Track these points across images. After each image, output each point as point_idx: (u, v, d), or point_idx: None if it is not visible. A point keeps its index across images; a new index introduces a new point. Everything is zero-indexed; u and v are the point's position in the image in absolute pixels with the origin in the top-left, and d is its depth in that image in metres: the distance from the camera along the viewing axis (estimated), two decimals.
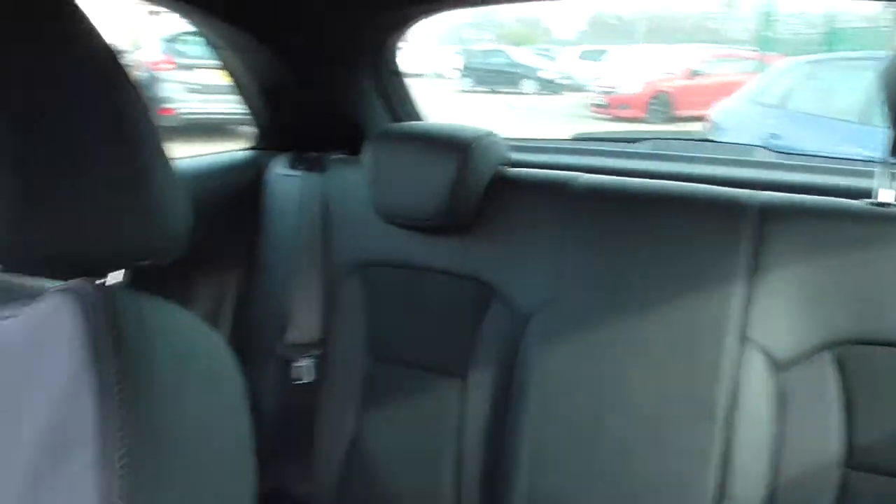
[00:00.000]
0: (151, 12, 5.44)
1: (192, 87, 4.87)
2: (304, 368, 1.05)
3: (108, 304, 0.39)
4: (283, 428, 1.07)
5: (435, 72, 11.22)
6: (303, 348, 1.05)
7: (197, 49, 3.97)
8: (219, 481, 0.42)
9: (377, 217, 1.01)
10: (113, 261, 0.45)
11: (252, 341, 1.10)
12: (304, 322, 1.06)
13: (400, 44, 1.18)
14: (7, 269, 0.45)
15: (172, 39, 5.06)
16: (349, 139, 1.13)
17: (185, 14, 1.03)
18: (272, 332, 1.07)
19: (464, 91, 10.20)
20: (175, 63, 5.02)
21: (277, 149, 1.16)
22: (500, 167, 1.03)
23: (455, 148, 0.95)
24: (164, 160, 0.46)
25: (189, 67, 4.88)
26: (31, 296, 0.41)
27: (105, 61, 0.43)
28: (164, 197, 0.46)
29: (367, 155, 1.00)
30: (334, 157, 1.12)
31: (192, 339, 0.44)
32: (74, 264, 0.43)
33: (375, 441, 1.01)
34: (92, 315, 0.38)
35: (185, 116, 4.75)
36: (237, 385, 0.46)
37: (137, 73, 0.45)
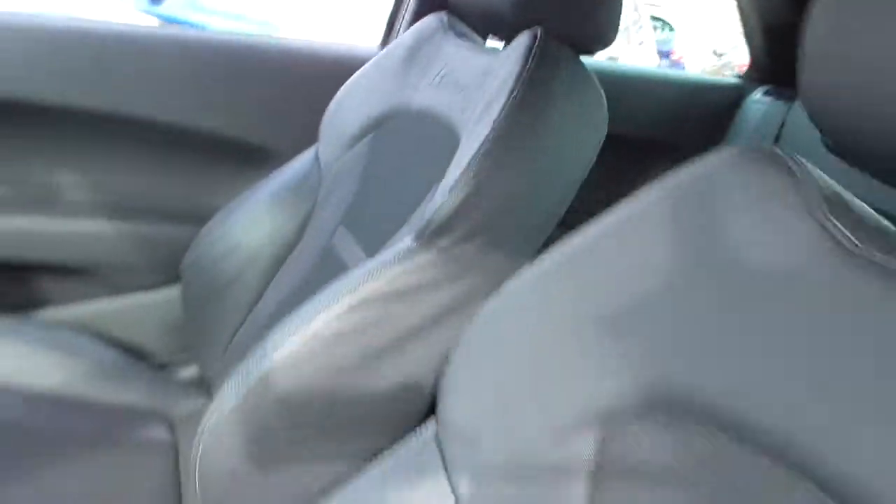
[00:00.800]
0: None
1: None
2: None
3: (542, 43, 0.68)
4: None
5: None
6: None
7: None
8: (553, 178, 0.67)
9: (825, 153, 1.09)
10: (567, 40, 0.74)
11: None
12: None
13: None
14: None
15: None
16: None
17: None
18: None
19: None
20: None
21: (760, 81, 1.32)
22: None
23: None
24: None
25: None
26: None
27: None
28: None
29: None
30: None
31: (587, 87, 0.70)
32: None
33: None
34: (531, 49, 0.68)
35: None
36: (597, 132, 0.70)
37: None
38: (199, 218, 1.06)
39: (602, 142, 0.69)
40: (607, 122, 0.70)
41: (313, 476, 0.60)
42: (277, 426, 0.62)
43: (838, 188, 0.35)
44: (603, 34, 0.72)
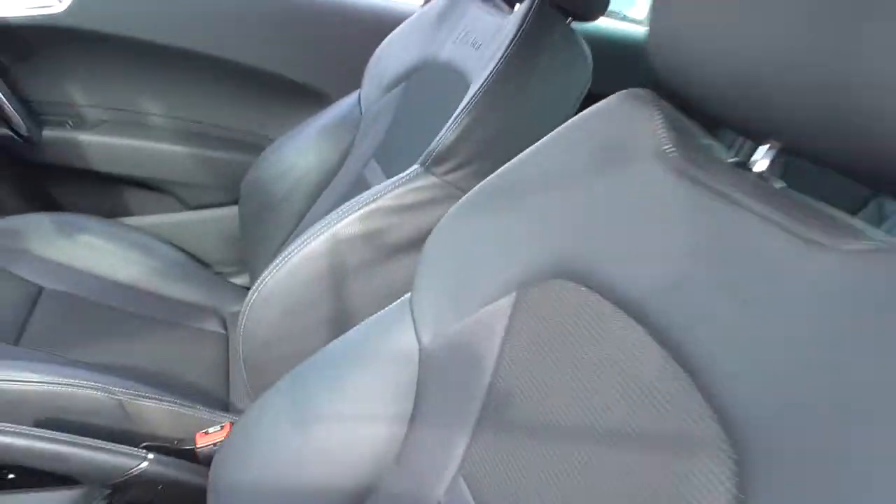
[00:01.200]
0: None
1: None
2: None
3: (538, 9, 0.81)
4: None
5: None
6: None
7: None
8: (537, 121, 0.80)
9: None
10: (565, 8, 0.87)
11: None
12: None
13: None
14: None
15: None
16: None
17: None
18: None
19: None
20: None
21: None
22: None
23: None
24: None
25: None
26: None
27: None
28: None
29: None
30: None
31: (574, 48, 0.83)
32: None
33: None
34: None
35: None
36: (579, 85, 0.83)
37: None
38: (258, 146, 1.24)
39: (584, 93, 0.82)
40: (590, 78, 0.82)
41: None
42: (301, 306, 0.80)
43: (686, 121, 0.49)
44: (595, 3, 0.84)
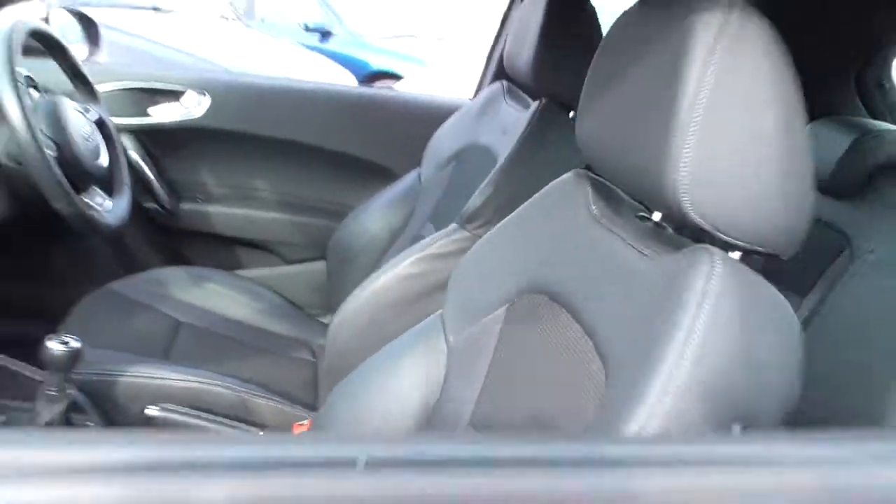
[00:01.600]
0: None
1: None
2: None
3: (543, 108, 1.10)
4: None
5: None
6: None
7: None
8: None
9: None
10: (568, 104, 1.15)
11: None
12: None
13: None
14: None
15: None
16: None
17: None
18: None
19: None
20: None
21: None
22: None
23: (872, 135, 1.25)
24: None
25: None
26: None
27: None
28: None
29: None
30: None
31: (571, 137, 1.11)
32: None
33: None
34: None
35: None
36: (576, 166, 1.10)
37: None
38: (340, 213, 1.56)
39: None
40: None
41: None
42: (368, 328, 1.08)
43: (616, 190, 0.75)
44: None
